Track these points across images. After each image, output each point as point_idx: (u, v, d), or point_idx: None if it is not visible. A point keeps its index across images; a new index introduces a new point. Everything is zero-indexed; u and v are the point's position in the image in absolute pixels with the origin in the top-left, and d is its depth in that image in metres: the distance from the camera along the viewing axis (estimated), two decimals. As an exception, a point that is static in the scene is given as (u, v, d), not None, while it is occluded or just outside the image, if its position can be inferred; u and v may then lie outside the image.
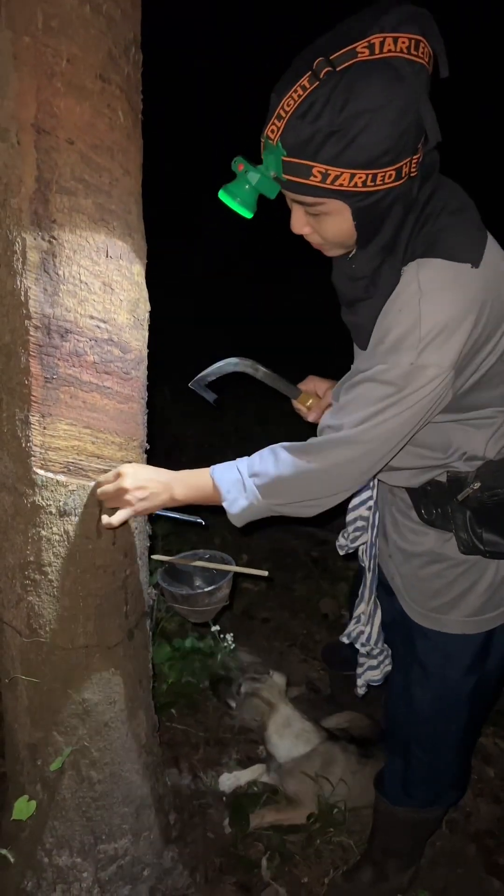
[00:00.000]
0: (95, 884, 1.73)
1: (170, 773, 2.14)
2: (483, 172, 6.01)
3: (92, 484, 1.46)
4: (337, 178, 1.14)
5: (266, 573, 1.72)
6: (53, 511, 1.44)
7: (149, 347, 1.55)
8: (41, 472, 1.41)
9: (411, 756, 1.74)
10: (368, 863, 1.93)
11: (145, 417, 1.58)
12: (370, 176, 1.14)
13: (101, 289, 1.36)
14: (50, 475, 1.42)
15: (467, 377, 1.30)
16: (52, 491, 1.43)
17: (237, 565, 1.78)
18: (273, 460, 1.40)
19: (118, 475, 1.42)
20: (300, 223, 1.28)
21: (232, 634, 2.55)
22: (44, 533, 1.46)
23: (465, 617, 1.55)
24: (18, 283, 1.30)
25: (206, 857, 1.93)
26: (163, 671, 2.47)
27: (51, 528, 1.45)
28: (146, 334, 1.51)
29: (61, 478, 1.43)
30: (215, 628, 2.52)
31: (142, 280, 1.46)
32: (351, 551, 1.85)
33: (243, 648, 2.86)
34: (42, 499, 1.44)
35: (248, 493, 1.41)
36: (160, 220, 1.54)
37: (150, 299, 1.50)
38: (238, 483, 1.42)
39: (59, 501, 1.44)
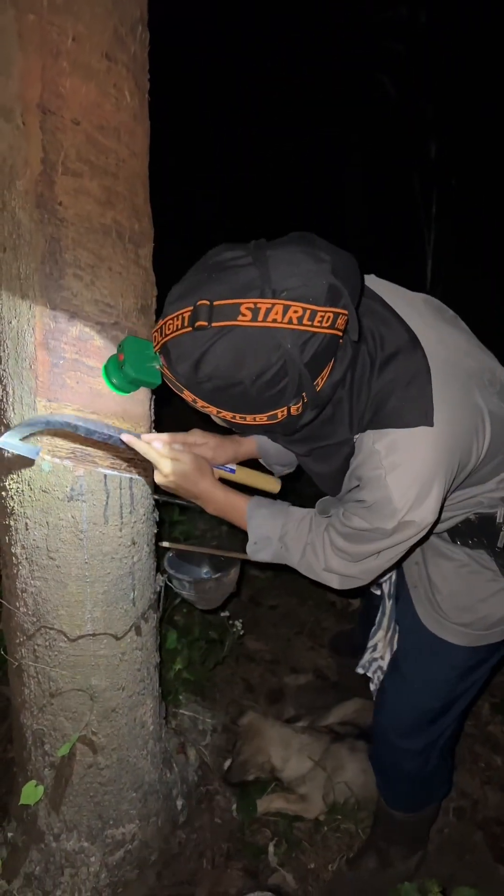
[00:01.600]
0: (103, 868, 1.73)
1: (177, 760, 2.14)
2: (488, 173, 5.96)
3: (99, 469, 1.45)
4: (205, 406, 1.15)
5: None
6: (60, 497, 1.44)
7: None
8: (48, 457, 1.41)
9: (400, 770, 1.77)
10: (372, 849, 1.94)
11: (152, 403, 1.56)
12: (237, 416, 1.14)
13: (107, 273, 1.34)
14: (57, 461, 1.41)
15: (455, 489, 1.34)
16: (59, 476, 1.42)
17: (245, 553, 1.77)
18: (299, 549, 1.45)
19: (172, 461, 1.37)
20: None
21: (241, 621, 2.54)
22: (51, 519, 1.45)
23: (483, 629, 1.55)
24: (24, 266, 1.29)
25: (214, 843, 1.93)
26: (170, 658, 2.47)
27: (58, 513, 1.45)
28: (153, 318, 1.49)
29: (68, 463, 1.42)
30: (224, 614, 2.51)
31: (149, 264, 1.44)
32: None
33: (250, 636, 2.87)
34: (49, 484, 1.43)
35: (272, 553, 1.49)
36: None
37: (157, 283, 1.49)
38: (268, 541, 1.47)
39: (66, 487, 1.43)
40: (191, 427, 1.52)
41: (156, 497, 1.63)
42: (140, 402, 1.50)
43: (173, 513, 2.75)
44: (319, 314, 1.02)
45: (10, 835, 1.80)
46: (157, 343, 1.13)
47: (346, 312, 1.06)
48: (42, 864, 1.73)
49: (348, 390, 1.23)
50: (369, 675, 1.92)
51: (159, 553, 1.76)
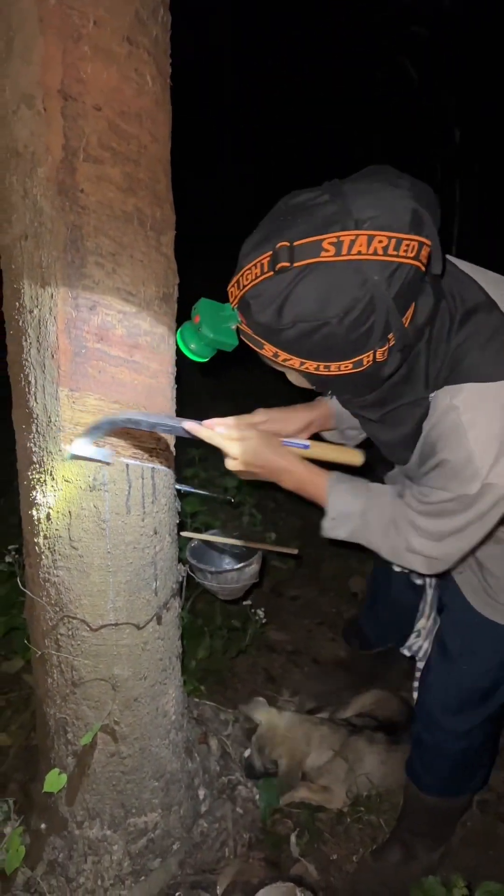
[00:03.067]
0: (126, 856, 1.74)
1: (199, 750, 2.14)
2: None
3: (122, 459, 1.44)
4: (287, 360, 1.12)
5: (296, 551, 1.70)
6: (82, 486, 1.43)
7: (178, 322, 1.52)
8: (69, 447, 1.40)
9: (442, 751, 1.74)
10: (397, 842, 1.92)
11: (174, 393, 1.55)
12: (322, 365, 1.11)
13: (128, 260, 1.33)
14: (79, 450, 1.41)
15: None
16: (81, 466, 1.42)
17: (267, 544, 1.76)
18: (381, 527, 1.40)
19: (239, 441, 1.35)
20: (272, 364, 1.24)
21: (263, 610, 2.53)
22: (73, 508, 1.45)
23: None
24: (46, 255, 1.28)
25: (236, 833, 1.93)
26: (192, 647, 2.48)
27: (80, 503, 1.45)
28: (175, 307, 1.48)
29: (89, 453, 1.41)
30: (246, 603, 2.51)
31: (170, 251, 1.43)
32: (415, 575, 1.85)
33: (272, 626, 2.86)
34: (71, 474, 1.43)
35: (350, 531, 1.44)
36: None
37: (179, 272, 1.47)
38: (347, 518, 1.43)
39: (88, 476, 1.43)
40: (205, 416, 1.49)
41: (177, 487, 1.62)
42: (162, 391, 1.49)
43: (195, 503, 2.75)
44: (405, 243, 1.00)
45: (33, 822, 1.81)
46: (235, 298, 1.11)
47: (429, 243, 1.04)
48: (65, 852, 1.74)
49: (426, 345, 1.21)
50: (417, 656, 1.93)
51: (181, 543, 1.75)
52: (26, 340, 1.37)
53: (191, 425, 1.30)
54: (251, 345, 1.16)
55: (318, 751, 2.07)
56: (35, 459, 1.46)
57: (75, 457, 1.32)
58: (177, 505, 1.65)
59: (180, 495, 1.65)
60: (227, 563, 1.81)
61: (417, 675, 1.91)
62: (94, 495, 1.44)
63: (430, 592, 1.82)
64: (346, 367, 1.10)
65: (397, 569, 1.90)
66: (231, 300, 1.13)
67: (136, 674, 1.64)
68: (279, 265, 1.01)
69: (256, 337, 1.12)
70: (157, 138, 1.33)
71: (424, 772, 1.83)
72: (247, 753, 2.17)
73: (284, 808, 2.02)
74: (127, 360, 1.39)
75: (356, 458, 1.55)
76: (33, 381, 1.39)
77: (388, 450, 1.40)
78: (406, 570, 1.83)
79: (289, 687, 2.57)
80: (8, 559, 2.43)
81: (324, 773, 2.06)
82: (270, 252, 1.02)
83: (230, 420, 1.39)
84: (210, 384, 5.15)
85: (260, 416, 1.51)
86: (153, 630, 1.64)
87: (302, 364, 1.11)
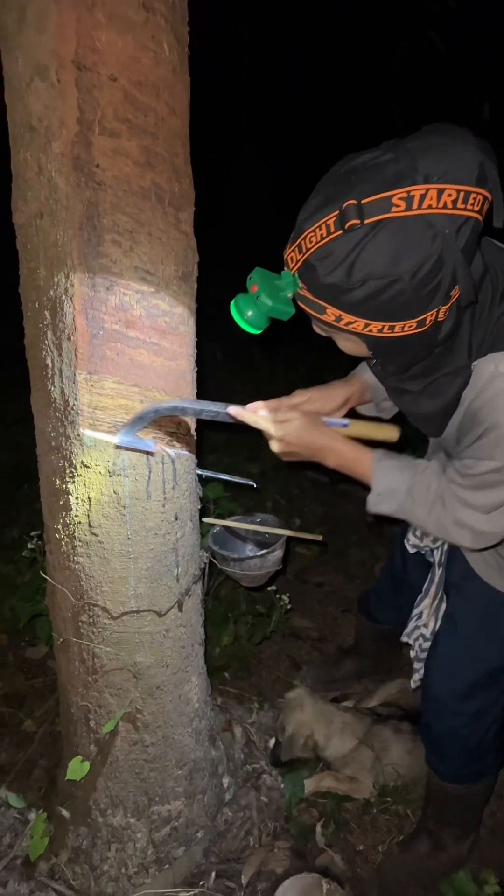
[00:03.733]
0: (149, 844, 1.73)
1: (223, 737, 2.12)
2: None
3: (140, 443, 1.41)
4: (350, 323, 1.11)
5: (320, 537, 1.66)
6: (102, 471, 1.40)
7: (197, 302, 1.48)
8: (88, 431, 1.37)
9: (453, 737, 1.70)
10: (423, 832, 1.89)
11: (195, 375, 1.51)
12: (386, 326, 1.10)
13: (146, 238, 1.29)
14: (98, 435, 1.38)
15: None
16: (100, 451, 1.39)
17: (291, 530, 1.72)
18: (428, 502, 1.39)
19: (283, 423, 1.35)
20: (319, 331, 1.26)
21: (288, 596, 2.50)
22: (93, 494, 1.42)
23: None
24: (62, 233, 1.24)
25: (261, 822, 1.91)
26: (216, 634, 2.45)
27: (100, 488, 1.42)
28: (195, 286, 1.44)
29: (109, 438, 1.38)
30: (271, 588, 2.47)
31: (189, 228, 1.38)
32: (423, 550, 1.85)
33: (296, 613, 2.83)
34: (91, 459, 1.40)
35: (396, 506, 1.42)
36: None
37: (199, 250, 1.43)
38: (393, 493, 1.42)
39: (108, 462, 1.40)
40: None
41: (199, 472, 1.59)
42: (182, 374, 1.45)
43: (217, 489, 2.72)
44: (472, 196, 1.00)
45: (57, 808, 1.80)
46: (296, 263, 1.10)
47: (490, 197, 1.04)
48: (89, 839, 1.73)
49: (469, 315, 1.20)
50: (411, 642, 1.89)
51: (203, 529, 1.72)
52: (43, 322, 1.34)
53: (235, 410, 1.31)
54: (311, 311, 1.16)
55: (342, 737, 2.04)
56: (54, 444, 1.43)
57: (120, 447, 1.32)
58: (198, 490, 1.61)
59: (202, 481, 1.61)
60: (250, 549, 1.77)
61: (416, 665, 1.87)
62: (114, 480, 1.41)
63: (438, 572, 1.80)
64: (410, 326, 1.10)
65: (411, 549, 1.89)
66: (290, 266, 1.13)
67: (158, 661, 1.61)
68: (349, 223, 1.00)
69: (319, 301, 1.11)
70: (175, 110, 1.28)
71: (439, 761, 1.79)
72: (272, 742, 2.15)
73: (310, 798, 1.99)
74: (146, 341, 1.35)
75: (393, 433, 1.54)
76: (51, 365, 1.36)
77: (424, 422, 1.40)
78: (419, 550, 1.86)
79: (312, 674, 2.54)
80: (30, 545, 2.42)
81: (349, 762, 2.02)
82: (336, 212, 1.02)
83: (272, 403, 1.41)
84: (234, 368, 5.11)
85: (300, 396, 1.51)
86: (175, 617, 1.61)
87: (366, 326, 1.11)
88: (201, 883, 1.75)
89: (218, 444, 4.06)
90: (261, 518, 1.77)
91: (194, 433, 1.56)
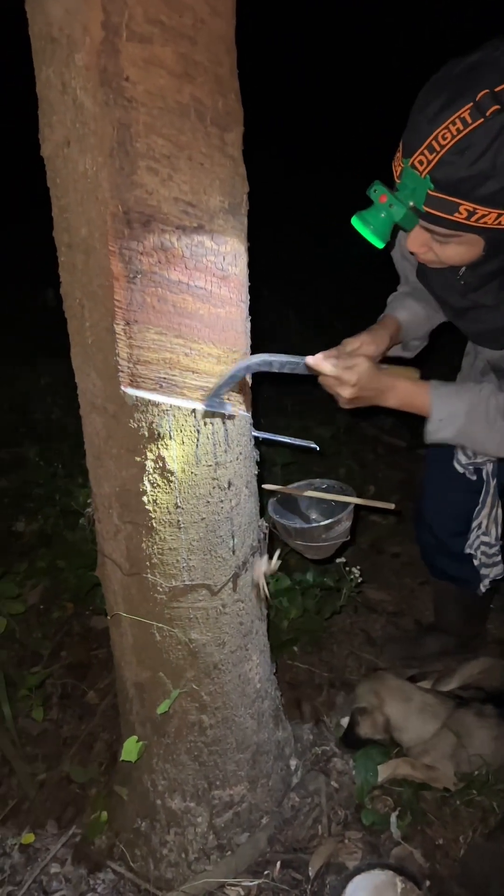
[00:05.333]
0: (210, 829, 1.63)
1: (291, 717, 2.00)
2: None
3: (188, 403, 1.26)
4: (483, 216, 1.15)
5: (392, 506, 1.48)
6: (146, 434, 1.27)
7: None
8: (130, 390, 1.23)
9: None
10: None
11: (248, 325, 1.35)
12: None
13: (186, 164, 1.12)
14: (141, 393, 1.24)
15: None
16: (143, 412, 1.25)
17: (363, 497, 1.55)
18: (487, 423, 1.44)
19: (353, 368, 1.37)
20: (420, 246, 1.30)
21: (359, 568, 2.33)
22: (137, 458, 1.29)
23: None
24: (90, 161, 1.09)
25: (330, 809, 1.78)
26: (283, 606, 2.32)
27: (144, 452, 1.28)
28: (245, 221, 1.26)
29: (153, 396, 1.24)
30: (340, 560, 2.31)
31: (237, 152, 1.20)
32: (474, 468, 1.89)
33: (371, 585, 2.66)
34: (133, 420, 1.26)
35: (456, 430, 1.46)
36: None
37: (250, 179, 1.25)
38: (454, 417, 1.45)
39: (152, 423, 1.26)
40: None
41: (255, 434, 1.43)
42: (233, 323, 1.29)
43: (286, 454, 2.56)
44: None
45: (117, 787, 1.73)
46: (428, 164, 1.13)
47: None
48: (147, 821, 1.65)
49: None
50: (473, 552, 1.99)
51: (263, 496, 1.57)
52: (76, 267, 1.20)
53: (313, 360, 1.34)
54: (439, 213, 1.17)
55: (422, 720, 1.87)
56: (96, 404, 1.31)
57: (208, 414, 1.29)
58: (255, 454, 1.46)
59: (258, 443, 1.46)
60: (314, 518, 1.61)
61: (484, 571, 2.00)
62: (159, 444, 1.27)
63: (492, 482, 1.89)
64: None
65: (460, 469, 1.92)
66: (421, 170, 1.14)
67: (214, 639, 1.49)
68: (490, 110, 1.05)
69: (452, 199, 1.14)
70: (216, 9, 1.09)
71: None
72: (344, 722, 2.00)
73: (384, 785, 1.84)
74: (189, 285, 1.19)
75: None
76: (86, 315, 1.22)
77: (491, 338, 1.49)
78: (473, 467, 1.91)
79: (388, 649, 2.37)
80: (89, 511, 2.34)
81: (429, 748, 1.85)
82: (470, 104, 1.06)
83: (332, 351, 1.42)
84: (309, 333, 4.91)
85: (353, 342, 1.53)
86: (231, 592, 1.47)
87: (497, 218, 1.15)
88: (265, 873, 1.64)
89: (288, 407, 3.88)
90: (326, 485, 1.60)
91: (249, 391, 1.40)
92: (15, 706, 2.09)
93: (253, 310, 1.37)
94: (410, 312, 1.71)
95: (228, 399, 1.30)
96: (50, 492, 2.99)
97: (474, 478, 1.92)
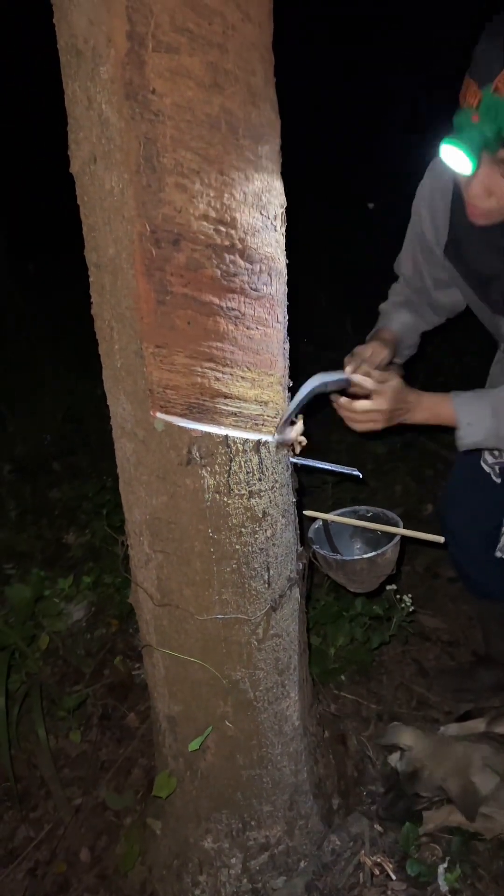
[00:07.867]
0: (244, 872, 1.55)
1: (335, 751, 1.90)
2: None
3: (220, 429, 1.19)
4: None
5: (442, 539, 1.37)
6: (176, 460, 1.21)
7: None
8: (161, 415, 1.18)
9: None
10: None
11: (286, 346, 1.27)
12: None
13: (217, 179, 1.05)
14: (170, 419, 1.18)
15: None
16: (173, 438, 1.19)
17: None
18: None
19: (387, 384, 1.39)
20: (483, 191, 1.28)
21: (410, 596, 2.20)
22: (167, 486, 1.23)
23: None
24: (117, 178, 1.04)
25: (373, 855, 1.67)
26: (331, 633, 2.22)
27: (174, 479, 1.22)
28: (282, 238, 1.19)
29: (183, 422, 1.18)
30: (391, 587, 2.20)
31: (274, 165, 1.13)
32: (496, 473, 1.83)
33: (425, 611, 2.54)
34: (164, 446, 1.20)
35: (486, 430, 1.45)
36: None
37: (288, 192, 1.18)
38: (482, 418, 1.45)
39: (183, 449, 1.20)
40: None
41: (293, 461, 1.35)
42: (268, 346, 1.22)
43: (327, 480, 2.46)
44: None
45: (150, 820, 1.67)
46: None
47: None
48: (180, 859, 1.58)
49: None
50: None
51: (304, 524, 1.49)
52: (105, 288, 1.15)
53: (357, 377, 1.37)
54: None
55: (482, 775, 1.73)
56: (126, 428, 1.26)
57: (280, 445, 1.29)
58: (293, 481, 1.38)
59: (297, 470, 1.38)
60: (358, 548, 1.52)
61: None
62: (190, 471, 1.21)
63: None
64: None
65: (486, 469, 1.86)
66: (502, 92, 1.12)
67: (250, 675, 1.41)
68: None
69: None
70: (248, 15, 1.02)
71: None
72: (393, 760, 1.88)
73: (433, 833, 1.73)
74: (220, 307, 1.12)
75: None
76: (115, 337, 1.18)
77: None
78: (490, 472, 1.85)
79: (440, 681, 2.25)
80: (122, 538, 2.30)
81: (489, 799, 1.72)
82: None
83: (360, 367, 1.44)
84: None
85: (365, 351, 1.59)
86: (268, 625, 1.40)
87: None
88: (302, 922, 1.55)
89: (341, 421, 3.77)
90: (372, 512, 1.50)
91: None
92: (55, 725, 2.06)
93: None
94: (402, 323, 1.80)
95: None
96: (97, 506, 2.97)
97: (499, 480, 1.88)
